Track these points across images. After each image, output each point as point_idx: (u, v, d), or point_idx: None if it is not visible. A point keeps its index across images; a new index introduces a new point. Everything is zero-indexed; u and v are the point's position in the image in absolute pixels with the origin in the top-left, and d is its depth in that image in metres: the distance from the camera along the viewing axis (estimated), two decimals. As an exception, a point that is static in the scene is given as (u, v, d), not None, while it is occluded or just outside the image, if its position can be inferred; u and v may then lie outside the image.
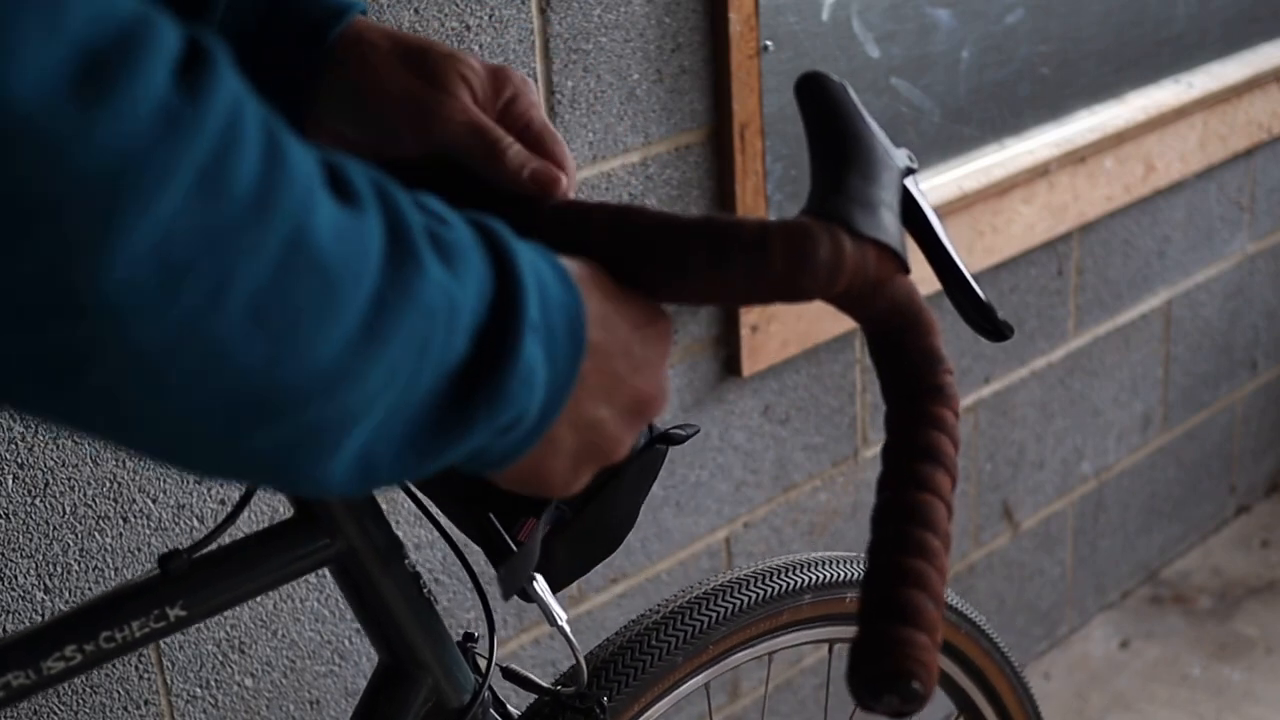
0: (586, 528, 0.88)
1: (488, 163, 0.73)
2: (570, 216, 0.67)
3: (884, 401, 0.66)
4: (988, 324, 0.72)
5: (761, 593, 1.15)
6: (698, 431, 0.94)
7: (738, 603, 1.14)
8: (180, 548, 0.80)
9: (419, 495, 0.92)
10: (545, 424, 0.58)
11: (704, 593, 1.15)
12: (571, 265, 0.60)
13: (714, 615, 1.13)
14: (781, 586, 1.16)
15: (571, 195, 0.73)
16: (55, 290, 0.41)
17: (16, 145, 0.39)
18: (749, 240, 0.61)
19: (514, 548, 0.85)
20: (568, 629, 0.97)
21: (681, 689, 1.14)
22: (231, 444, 0.48)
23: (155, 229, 0.42)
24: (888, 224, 0.65)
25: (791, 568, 1.18)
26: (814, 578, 1.18)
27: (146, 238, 0.42)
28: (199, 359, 0.45)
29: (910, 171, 0.70)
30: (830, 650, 1.31)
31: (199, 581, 0.81)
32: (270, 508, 1.36)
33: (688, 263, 0.62)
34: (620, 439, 0.63)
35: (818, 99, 0.70)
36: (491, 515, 0.86)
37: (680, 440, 0.92)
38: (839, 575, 1.19)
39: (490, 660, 0.95)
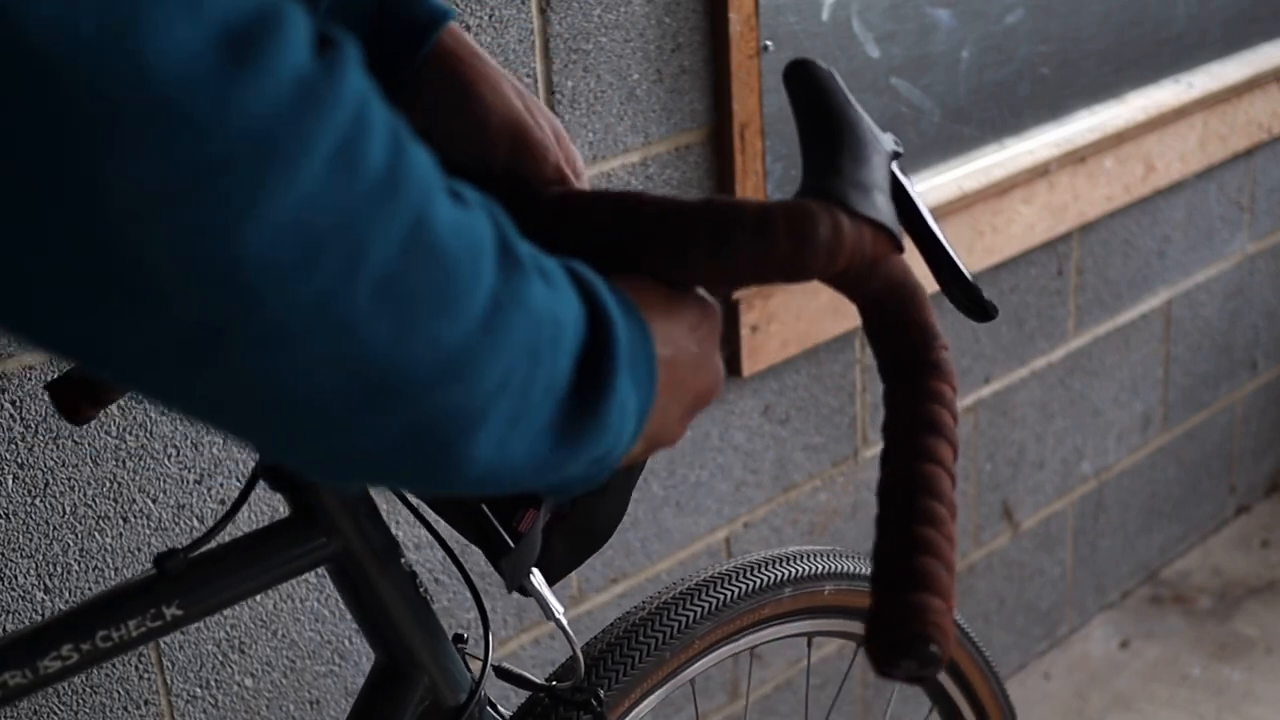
0: (583, 518, 0.89)
1: None
2: (571, 205, 0.68)
3: (882, 379, 0.68)
4: (973, 303, 0.74)
5: (745, 586, 1.17)
6: None
7: (723, 596, 1.16)
8: (177, 547, 0.80)
9: (409, 498, 0.92)
10: (628, 450, 0.60)
11: (690, 587, 1.16)
12: (627, 289, 0.62)
13: (701, 609, 1.15)
14: (763, 580, 1.18)
15: None
16: (197, 262, 0.42)
17: (163, 119, 0.40)
18: (751, 223, 0.63)
19: (512, 544, 0.85)
20: (565, 622, 0.98)
21: (668, 685, 1.16)
22: (352, 429, 0.49)
23: (296, 201, 0.43)
24: (881, 204, 0.66)
25: (771, 561, 1.19)
26: (793, 571, 1.19)
27: (288, 209, 0.43)
28: (328, 337, 0.45)
29: (896, 155, 0.71)
30: (809, 644, 1.33)
31: (196, 581, 0.81)
32: (270, 507, 1.36)
33: (691, 248, 0.64)
34: (680, 433, 0.66)
35: (807, 85, 0.72)
36: (488, 511, 0.86)
37: None
38: (817, 568, 1.21)
39: (486, 659, 0.95)
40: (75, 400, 0.98)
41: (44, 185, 0.40)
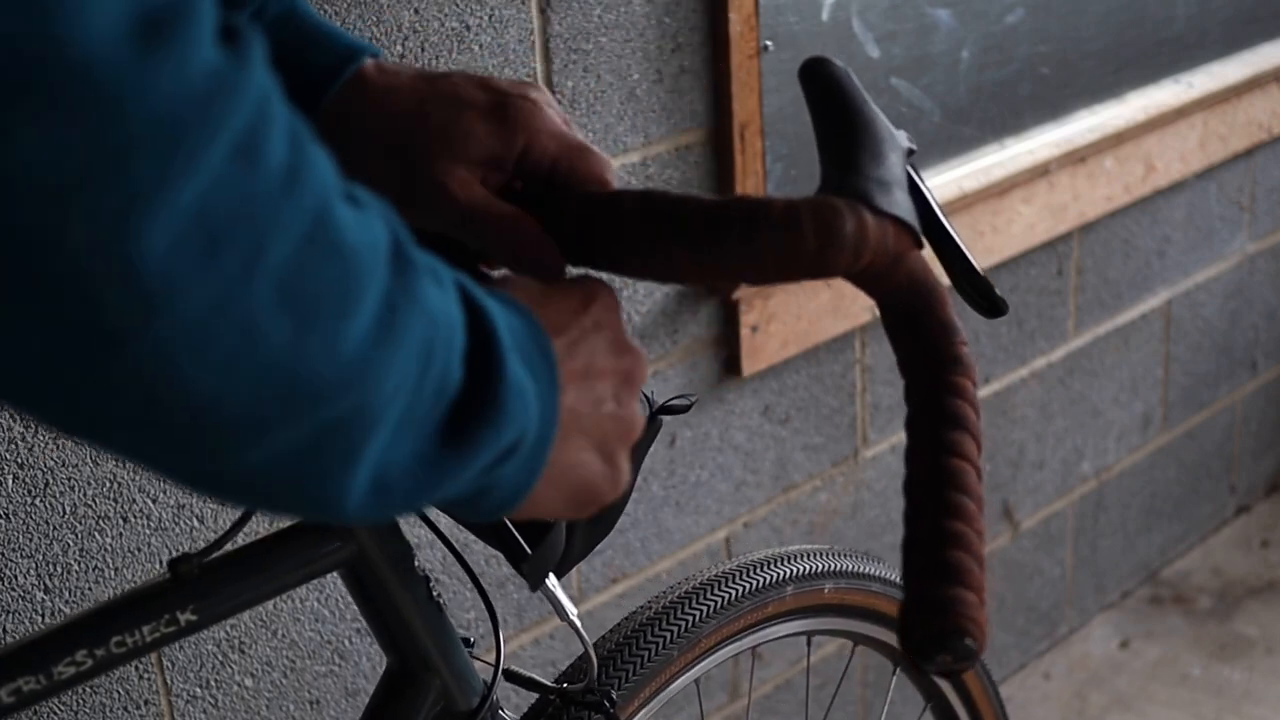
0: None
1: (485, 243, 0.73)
2: (599, 204, 0.68)
3: (903, 375, 0.68)
4: (984, 299, 0.74)
5: (749, 585, 1.18)
6: (695, 402, 0.97)
7: (729, 595, 1.17)
8: (190, 551, 0.80)
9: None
10: (547, 442, 0.58)
11: (695, 586, 1.17)
12: (502, 287, 0.61)
13: (707, 608, 1.15)
14: (766, 579, 1.18)
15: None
16: (97, 256, 0.41)
17: (80, 95, 0.40)
18: (780, 218, 0.63)
19: (528, 549, 0.85)
20: (578, 623, 0.97)
21: (673, 686, 1.16)
22: (253, 443, 0.47)
23: (198, 192, 0.42)
24: (902, 201, 0.67)
25: (773, 560, 1.20)
26: (794, 570, 1.20)
27: (190, 201, 0.42)
28: (231, 338, 0.44)
29: (911, 152, 0.72)
30: (809, 643, 1.33)
31: (210, 586, 0.80)
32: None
33: (720, 245, 0.64)
34: (628, 416, 0.64)
35: (824, 83, 0.72)
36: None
37: (681, 410, 0.94)
38: (817, 567, 1.22)
39: (498, 663, 0.95)
40: None
41: None
